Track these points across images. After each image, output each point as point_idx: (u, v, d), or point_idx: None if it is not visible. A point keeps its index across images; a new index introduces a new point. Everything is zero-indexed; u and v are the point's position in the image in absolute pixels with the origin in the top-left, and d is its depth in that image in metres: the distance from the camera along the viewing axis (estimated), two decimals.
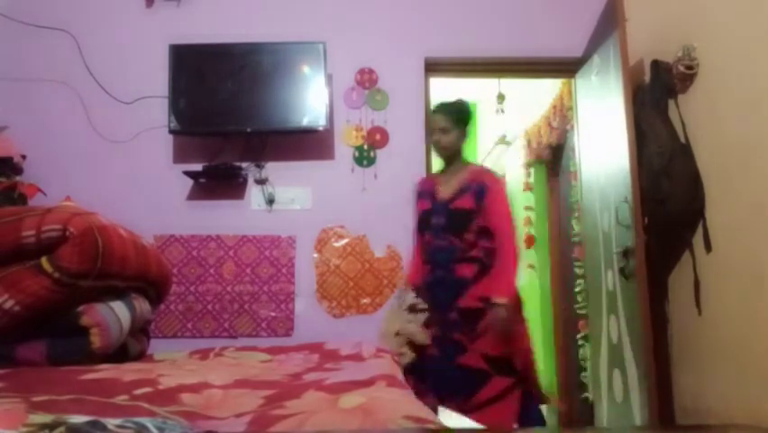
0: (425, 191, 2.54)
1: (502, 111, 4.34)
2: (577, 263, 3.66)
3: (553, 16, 3.17)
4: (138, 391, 0.93)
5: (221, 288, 2.97)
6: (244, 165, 3.01)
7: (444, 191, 2.46)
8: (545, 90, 3.91)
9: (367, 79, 3.11)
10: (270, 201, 3.02)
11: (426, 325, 2.36)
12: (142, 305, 1.92)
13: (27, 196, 2.75)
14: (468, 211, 2.38)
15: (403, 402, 0.86)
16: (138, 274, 1.89)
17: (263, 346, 2.36)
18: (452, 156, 2.50)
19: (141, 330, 2.03)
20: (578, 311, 3.62)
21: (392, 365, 1.51)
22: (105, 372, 1.23)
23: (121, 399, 0.92)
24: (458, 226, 2.38)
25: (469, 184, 2.42)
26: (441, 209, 2.43)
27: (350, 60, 3.11)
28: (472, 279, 2.34)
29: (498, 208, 2.37)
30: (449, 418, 2.36)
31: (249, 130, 2.92)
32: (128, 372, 1.20)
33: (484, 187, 2.39)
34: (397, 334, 2.35)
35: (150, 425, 0.67)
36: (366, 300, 2.98)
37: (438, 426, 0.78)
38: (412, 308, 2.39)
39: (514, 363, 2.30)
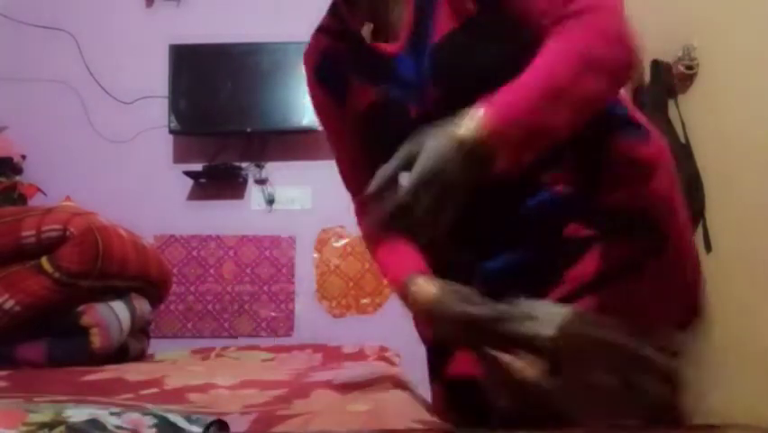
0: (343, 60, 0.98)
1: None
2: None
3: None
4: (144, 392, 0.93)
5: (221, 288, 2.96)
6: (244, 165, 3.00)
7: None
8: None
9: None
10: (270, 201, 3.02)
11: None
12: (142, 305, 1.92)
13: (27, 196, 2.75)
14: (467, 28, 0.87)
15: (410, 404, 0.86)
16: (138, 274, 1.89)
17: (265, 346, 2.36)
18: None
19: (141, 330, 2.03)
20: None
21: (395, 366, 1.52)
22: (108, 372, 1.23)
23: (125, 398, 0.92)
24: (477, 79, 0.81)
25: None
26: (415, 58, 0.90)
27: None
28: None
29: None
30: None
31: (249, 130, 2.92)
32: (131, 372, 1.20)
33: None
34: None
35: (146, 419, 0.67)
36: (366, 300, 2.98)
37: (445, 428, 0.78)
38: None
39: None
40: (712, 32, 2.31)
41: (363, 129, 0.97)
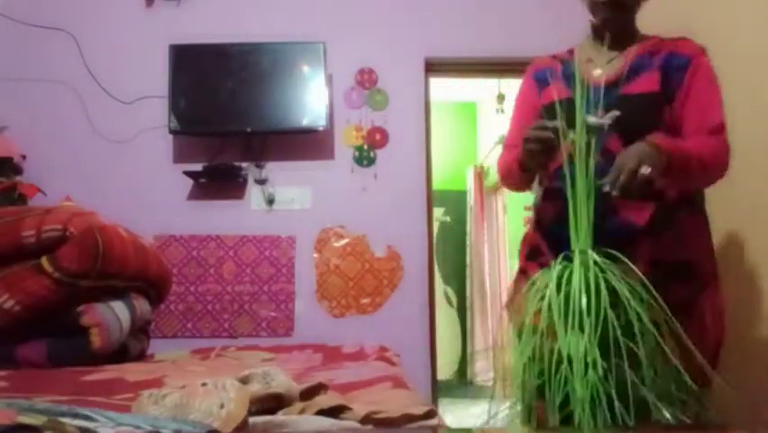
0: (556, 72, 1.59)
1: (502, 111, 4.34)
2: None
3: (553, 16, 3.17)
4: (144, 392, 0.93)
5: (221, 288, 2.96)
6: (244, 165, 3.00)
7: (603, 70, 1.52)
8: None
9: (367, 79, 3.11)
10: (270, 201, 3.02)
11: None
12: (142, 305, 1.92)
13: (27, 196, 2.75)
14: (652, 96, 1.48)
15: (410, 404, 0.86)
16: (138, 274, 1.89)
17: (265, 346, 2.36)
18: (622, 19, 1.55)
19: (141, 330, 2.03)
20: None
21: (395, 366, 1.51)
22: (109, 372, 1.23)
23: (124, 398, 0.92)
24: (638, 123, 1.44)
25: (649, 56, 1.51)
26: (602, 97, 1.45)
27: (350, 60, 3.11)
28: (645, 228, 1.41)
29: (706, 95, 1.47)
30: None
31: (249, 130, 2.92)
32: (131, 372, 1.20)
33: (683, 59, 1.50)
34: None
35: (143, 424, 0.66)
36: (366, 300, 2.98)
37: (446, 428, 0.78)
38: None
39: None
40: (712, 32, 2.30)
41: (540, 114, 1.52)
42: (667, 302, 1.24)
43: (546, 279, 1.25)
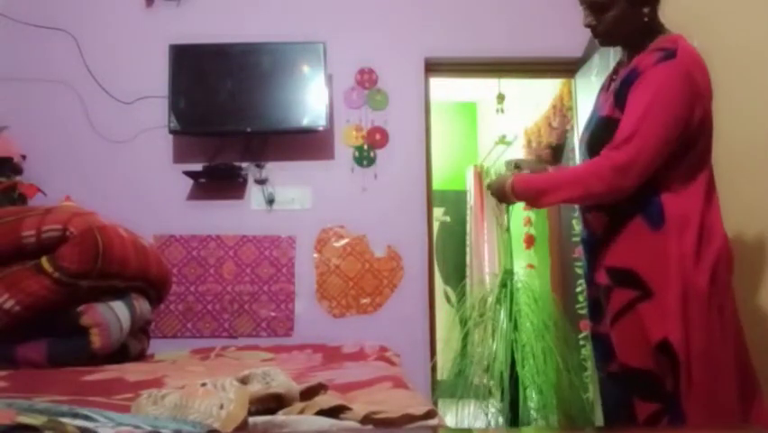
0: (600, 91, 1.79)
1: (502, 111, 4.34)
2: (577, 263, 3.66)
3: (553, 16, 3.17)
4: (144, 392, 0.93)
5: (221, 288, 2.96)
6: (244, 165, 3.01)
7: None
8: (545, 90, 3.91)
9: (367, 79, 3.11)
10: (270, 201, 3.02)
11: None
12: (142, 305, 1.92)
13: (27, 196, 2.75)
14: (606, 120, 1.55)
15: (410, 404, 0.86)
16: (138, 274, 1.89)
17: (265, 346, 2.36)
18: (626, 38, 1.62)
19: (141, 330, 2.03)
20: (578, 311, 3.62)
21: (395, 366, 1.51)
22: (109, 372, 1.23)
23: (124, 398, 0.92)
24: (592, 147, 1.58)
25: (629, 72, 1.55)
26: (591, 121, 1.69)
27: (350, 60, 3.11)
28: (602, 236, 1.55)
29: (631, 107, 1.47)
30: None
31: (249, 130, 2.92)
32: (131, 372, 1.20)
33: (634, 74, 1.50)
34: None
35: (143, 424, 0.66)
36: (366, 300, 2.98)
37: (446, 428, 0.78)
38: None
39: (661, 379, 1.43)
40: (712, 32, 2.30)
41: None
42: (613, 307, 1.47)
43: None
